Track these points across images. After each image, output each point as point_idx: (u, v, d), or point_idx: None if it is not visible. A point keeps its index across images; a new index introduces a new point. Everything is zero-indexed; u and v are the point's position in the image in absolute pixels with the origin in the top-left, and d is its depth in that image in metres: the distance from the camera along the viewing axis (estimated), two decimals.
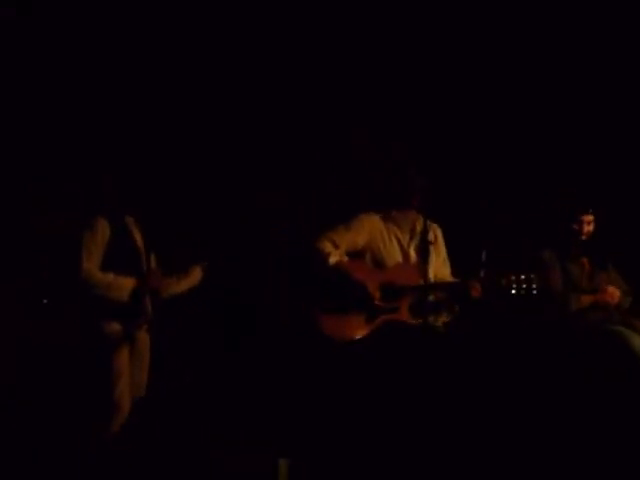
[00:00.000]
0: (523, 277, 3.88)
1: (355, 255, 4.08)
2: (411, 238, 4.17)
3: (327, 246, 4.00)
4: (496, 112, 4.98)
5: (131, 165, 4.10)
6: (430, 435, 3.63)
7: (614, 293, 4.45)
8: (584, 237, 4.54)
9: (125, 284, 3.84)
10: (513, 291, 3.87)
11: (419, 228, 4.17)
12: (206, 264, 4.12)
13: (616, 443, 3.75)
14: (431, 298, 4.00)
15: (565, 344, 4.22)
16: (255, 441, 3.79)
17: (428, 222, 4.12)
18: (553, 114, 5.00)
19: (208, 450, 3.74)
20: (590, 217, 4.54)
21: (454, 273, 4.25)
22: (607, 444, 3.75)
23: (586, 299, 4.43)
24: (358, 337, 3.90)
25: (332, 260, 3.96)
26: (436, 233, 4.24)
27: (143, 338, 3.96)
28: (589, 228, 4.54)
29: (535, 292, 3.84)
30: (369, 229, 4.11)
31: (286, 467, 3.55)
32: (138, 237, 3.99)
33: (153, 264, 4.04)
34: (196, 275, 4.11)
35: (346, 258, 4.02)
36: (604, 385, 3.97)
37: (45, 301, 4.39)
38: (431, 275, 4.09)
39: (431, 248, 4.11)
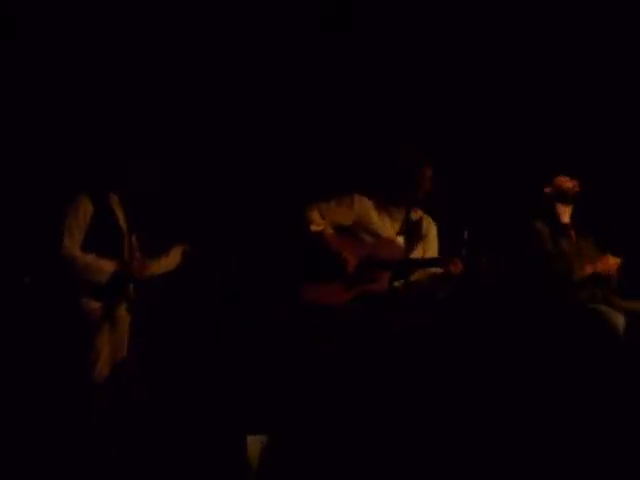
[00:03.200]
0: (492, 258, 3.93)
1: (344, 230, 4.11)
2: (401, 228, 4.17)
3: (314, 214, 4.06)
4: (481, 91, 4.96)
5: (117, 144, 4.06)
6: (402, 404, 3.67)
7: (616, 263, 4.38)
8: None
9: (104, 267, 3.81)
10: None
11: (413, 219, 4.19)
12: (187, 247, 4.10)
13: (598, 421, 3.75)
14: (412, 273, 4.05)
15: (548, 323, 4.20)
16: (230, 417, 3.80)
17: (423, 216, 4.21)
18: (539, 95, 4.97)
19: (186, 427, 3.76)
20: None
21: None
22: (589, 422, 3.75)
23: (588, 268, 4.36)
24: (337, 304, 3.96)
25: (314, 227, 4.02)
26: (429, 229, 4.26)
27: (123, 317, 3.94)
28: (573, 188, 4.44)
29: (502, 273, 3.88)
30: (358, 208, 4.13)
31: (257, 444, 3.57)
32: (121, 216, 3.95)
33: (135, 244, 4.00)
34: (175, 257, 4.07)
35: (331, 230, 4.06)
36: (587, 364, 3.97)
37: (27, 279, 4.36)
38: None
39: (420, 243, 4.17)
